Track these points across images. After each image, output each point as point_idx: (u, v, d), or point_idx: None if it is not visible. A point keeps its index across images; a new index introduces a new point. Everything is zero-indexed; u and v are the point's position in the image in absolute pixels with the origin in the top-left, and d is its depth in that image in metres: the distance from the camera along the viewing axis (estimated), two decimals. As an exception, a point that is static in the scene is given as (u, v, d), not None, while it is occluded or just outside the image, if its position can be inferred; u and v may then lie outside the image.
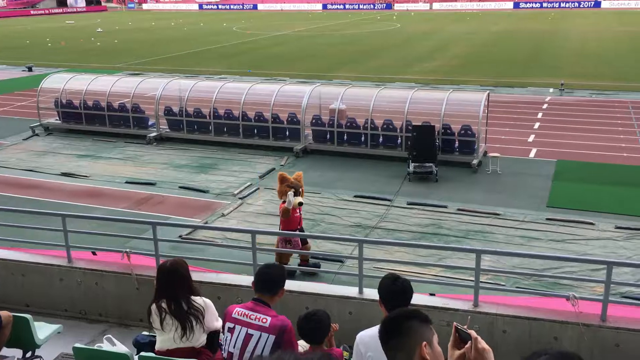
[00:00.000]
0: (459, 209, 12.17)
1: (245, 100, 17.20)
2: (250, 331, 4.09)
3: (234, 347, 4.12)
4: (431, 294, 6.08)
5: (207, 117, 17.54)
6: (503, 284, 8.91)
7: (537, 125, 18.79)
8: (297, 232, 8.82)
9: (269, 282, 4.29)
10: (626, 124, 18.37)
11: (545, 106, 21.38)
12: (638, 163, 14.82)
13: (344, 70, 30.02)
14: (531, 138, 17.32)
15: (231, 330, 4.16)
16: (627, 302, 7.24)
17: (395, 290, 3.89)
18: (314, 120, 16.51)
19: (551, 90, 24.02)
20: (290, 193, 8.60)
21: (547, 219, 11.52)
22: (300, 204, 8.82)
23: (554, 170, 14.31)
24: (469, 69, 29.83)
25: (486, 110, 15.57)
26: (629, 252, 10.07)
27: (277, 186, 9.18)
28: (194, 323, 4.45)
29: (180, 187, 13.85)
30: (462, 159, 14.92)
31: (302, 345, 4.51)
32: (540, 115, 20.05)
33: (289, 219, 8.76)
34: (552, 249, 10.21)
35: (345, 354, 4.41)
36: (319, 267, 9.34)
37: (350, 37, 45.60)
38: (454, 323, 2.59)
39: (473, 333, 2.45)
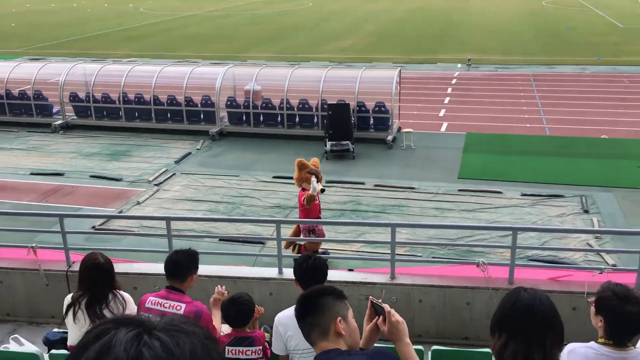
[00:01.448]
0: (376, 185, 12.42)
1: (157, 84, 16.66)
2: None
3: None
4: (350, 270, 6.19)
5: (117, 102, 16.86)
6: (419, 255, 9.20)
7: (447, 100, 19.42)
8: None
9: (177, 268, 4.21)
10: (529, 96, 19.34)
11: (454, 81, 22.12)
12: (540, 133, 15.67)
13: (257, 51, 29.69)
14: (442, 112, 17.89)
15: (145, 320, 4.05)
16: (532, 265, 7.68)
17: (307, 268, 3.93)
18: (228, 102, 16.26)
19: (459, 65, 24.86)
20: (314, 179, 8.17)
21: (459, 190, 11.98)
22: (323, 190, 8.35)
23: (463, 142, 14.87)
24: (381, 46, 30.30)
25: (398, 87, 15.90)
26: (534, 217, 10.66)
27: (294, 173, 8.57)
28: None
29: (91, 177, 13.28)
30: (377, 136, 15.20)
31: (225, 330, 4.47)
32: (449, 90, 20.73)
33: (311, 207, 8.25)
34: (464, 219, 10.65)
35: (267, 335, 4.42)
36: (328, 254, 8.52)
37: (263, 17, 45.08)
38: (370, 297, 2.65)
39: (387, 307, 2.51)
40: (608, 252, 8.97)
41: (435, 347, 4.12)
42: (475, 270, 5.83)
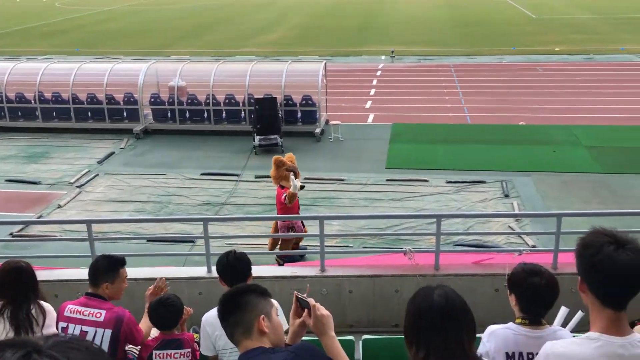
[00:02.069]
0: (305, 178, 12.41)
1: (75, 82, 16.00)
2: (85, 328, 3.85)
3: None
4: (280, 264, 6.18)
5: (32, 101, 16.07)
6: (351, 245, 9.32)
7: (373, 91, 19.71)
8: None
9: (92, 273, 4.05)
10: (450, 86, 19.92)
11: (379, 73, 22.48)
12: (462, 122, 16.18)
13: (181, 46, 29.06)
14: (368, 104, 18.15)
15: (65, 329, 3.89)
16: (457, 250, 7.92)
17: (228, 263, 3.89)
18: (152, 99, 15.83)
19: (383, 57, 25.28)
20: (293, 177, 7.96)
21: (387, 180, 12.20)
22: (302, 187, 8.17)
23: (390, 133, 15.14)
24: (307, 39, 30.37)
25: (325, 80, 15.99)
26: (459, 203, 11.01)
27: (271, 171, 8.31)
28: (33, 327, 4.08)
29: (7, 181, 12.63)
30: (305, 129, 15.23)
31: (153, 333, 4.36)
32: (375, 82, 21.06)
33: (292, 204, 8.06)
34: (393, 208, 10.85)
35: (196, 336, 4.34)
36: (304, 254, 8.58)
37: (186, 11, 44.14)
38: (295, 292, 2.64)
39: (311, 301, 2.52)
40: (528, 234, 9.39)
41: (365, 336, 4.18)
42: (403, 259, 5.97)
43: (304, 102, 15.35)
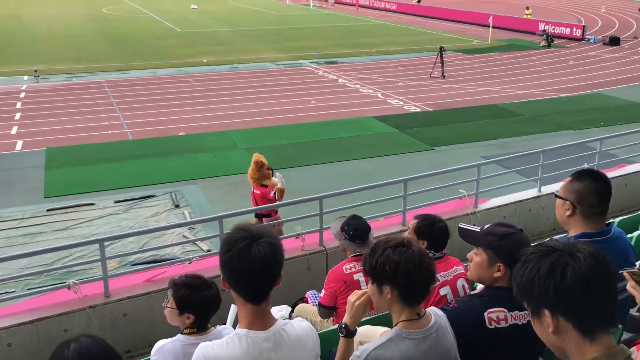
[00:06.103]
0: (-59, 224, 10.57)
1: None
2: None
3: None
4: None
5: None
6: (13, 290, 8.25)
7: (18, 115, 17.79)
8: None
9: None
10: (106, 103, 19.23)
11: (23, 95, 20.41)
12: (123, 138, 15.78)
13: None
14: (14, 130, 16.32)
15: None
16: (126, 272, 7.63)
17: None
18: None
19: (26, 77, 23.05)
20: (277, 174, 8.28)
21: (48, 210, 11.18)
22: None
23: (44, 159, 13.89)
24: None
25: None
26: (131, 222, 10.71)
27: (252, 172, 8.39)
28: None
29: None
30: None
31: None
32: (19, 105, 19.05)
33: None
34: (59, 239, 9.96)
35: None
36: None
37: None
38: None
39: None
40: (202, 239, 9.63)
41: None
42: (70, 293, 5.49)
43: None
